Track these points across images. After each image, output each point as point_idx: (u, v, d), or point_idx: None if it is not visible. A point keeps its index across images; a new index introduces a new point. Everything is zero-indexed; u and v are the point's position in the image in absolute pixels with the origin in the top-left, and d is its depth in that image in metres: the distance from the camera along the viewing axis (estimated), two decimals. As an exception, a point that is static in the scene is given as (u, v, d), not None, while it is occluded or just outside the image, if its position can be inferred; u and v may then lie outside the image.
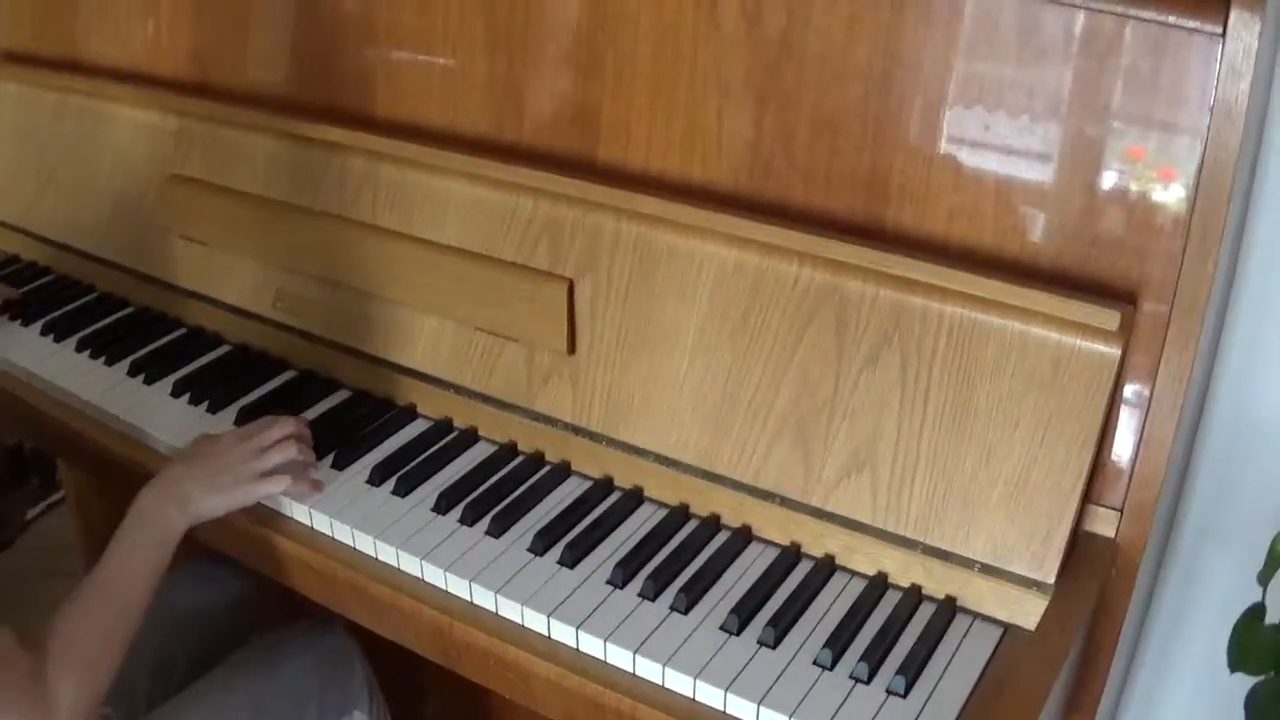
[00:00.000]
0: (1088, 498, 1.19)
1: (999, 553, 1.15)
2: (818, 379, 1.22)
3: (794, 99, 1.25)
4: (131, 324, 1.61)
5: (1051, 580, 1.13)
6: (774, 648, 1.14)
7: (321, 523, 1.29)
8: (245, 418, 1.43)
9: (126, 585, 1.19)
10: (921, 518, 1.18)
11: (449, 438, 1.41)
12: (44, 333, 1.59)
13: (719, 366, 1.26)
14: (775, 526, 1.26)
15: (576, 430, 1.34)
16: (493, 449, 1.39)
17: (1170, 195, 1.11)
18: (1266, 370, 1.41)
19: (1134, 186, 1.13)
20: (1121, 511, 1.18)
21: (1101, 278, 1.16)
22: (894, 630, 1.16)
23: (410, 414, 1.44)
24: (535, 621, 1.18)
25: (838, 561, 1.24)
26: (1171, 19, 1.07)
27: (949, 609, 1.18)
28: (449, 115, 1.47)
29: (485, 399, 1.39)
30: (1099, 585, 1.16)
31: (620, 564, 1.22)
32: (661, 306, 1.28)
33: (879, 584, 1.21)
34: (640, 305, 1.30)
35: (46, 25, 1.82)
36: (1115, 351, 1.12)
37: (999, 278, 1.15)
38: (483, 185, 1.37)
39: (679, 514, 1.30)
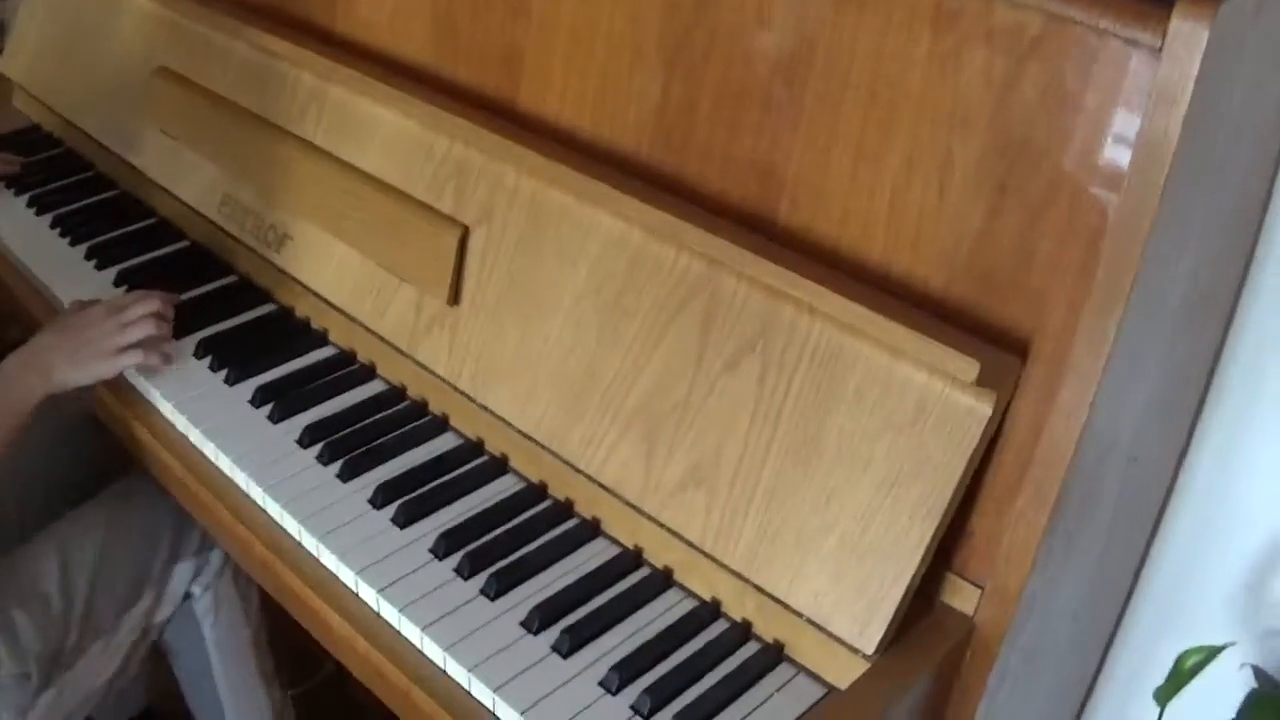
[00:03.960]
0: (950, 566, 1.04)
1: (822, 608, 1.02)
2: (676, 376, 1.10)
3: (700, 70, 1.12)
4: (108, 208, 1.62)
5: (871, 650, 0.99)
6: (565, 657, 1.05)
7: (183, 425, 1.27)
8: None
9: None
10: (750, 551, 1.05)
11: (345, 370, 1.36)
12: (29, 205, 1.63)
13: (585, 345, 1.16)
14: (623, 526, 1.16)
15: (453, 387, 1.26)
16: (381, 389, 1.33)
17: (1079, 236, 0.94)
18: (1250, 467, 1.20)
19: (1040, 219, 0.96)
20: (983, 589, 1.03)
21: (994, 318, 1.00)
22: (701, 666, 1.05)
23: (321, 340, 1.40)
24: (346, 576, 1.12)
25: (675, 577, 1.13)
26: (1102, 24, 0.90)
27: (774, 655, 1.06)
28: (397, 41, 1.40)
29: (380, 338, 1.33)
30: (934, 665, 1.02)
31: (445, 534, 1.15)
32: (545, 269, 1.19)
33: (710, 611, 1.10)
34: (526, 264, 1.20)
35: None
36: (984, 408, 0.96)
37: (875, 299, 1.00)
38: (412, 118, 1.30)
39: (535, 492, 1.21)
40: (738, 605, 1.08)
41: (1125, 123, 0.90)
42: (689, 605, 1.10)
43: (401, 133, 1.31)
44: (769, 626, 1.06)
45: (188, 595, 1.42)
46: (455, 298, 1.25)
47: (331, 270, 1.37)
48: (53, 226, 1.58)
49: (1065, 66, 0.92)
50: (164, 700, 1.62)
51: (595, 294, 1.15)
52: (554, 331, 1.18)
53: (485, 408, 1.22)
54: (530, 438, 1.19)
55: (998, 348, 0.98)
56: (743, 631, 1.08)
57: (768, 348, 1.06)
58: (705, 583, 1.10)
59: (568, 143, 1.22)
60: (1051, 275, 0.96)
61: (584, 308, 1.16)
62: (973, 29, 0.96)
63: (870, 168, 1.04)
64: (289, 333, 1.41)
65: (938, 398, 0.97)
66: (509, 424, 1.21)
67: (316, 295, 1.39)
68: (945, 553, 1.03)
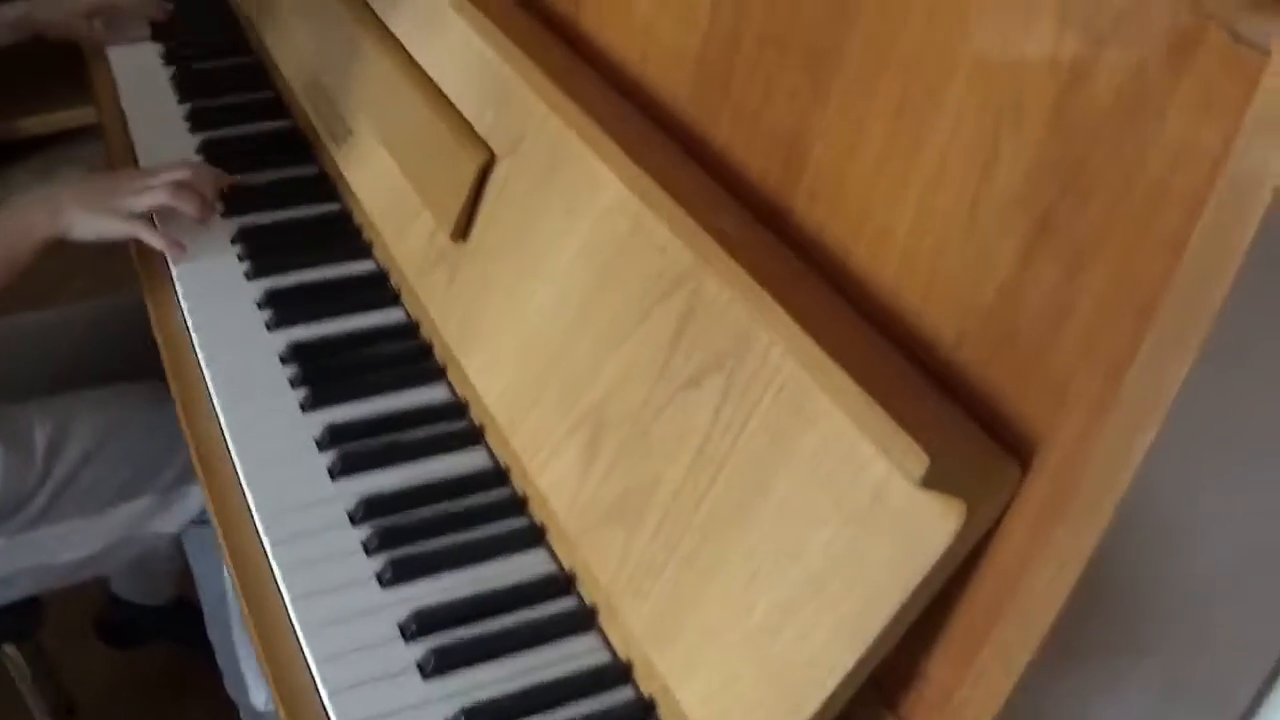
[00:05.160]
0: (892, 708, 0.79)
1: (708, 711, 0.79)
2: (638, 378, 0.89)
3: None
4: (232, 73, 1.54)
5: (751, 785, 0.76)
6: (425, 678, 0.88)
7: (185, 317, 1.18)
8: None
9: None
10: (656, 617, 0.84)
11: (371, 291, 1.22)
12: (161, 54, 1.57)
13: (562, 318, 0.96)
14: (565, 543, 0.96)
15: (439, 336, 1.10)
16: (397, 320, 1.19)
17: (1123, 311, 0.65)
18: None
19: (1079, 277, 0.67)
20: (927, 749, 0.77)
21: (1001, 401, 0.73)
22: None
23: (365, 252, 1.26)
24: (261, 521, 1.00)
25: (599, 620, 0.93)
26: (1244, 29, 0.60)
27: (668, 757, 0.85)
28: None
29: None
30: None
31: (370, 500, 1.00)
32: (551, 219, 0.99)
33: (619, 673, 0.89)
34: (535, 209, 1.01)
35: None
36: (950, 522, 0.70)
37: (857, 343, 0.76)
38: (478, 33, 1.11)
39: (495, 477, 1.04)
40: (647, 678, 0.88)
41: (1218, 154, 0.61)
42: (599, 659, 0.91)
43: (469, 45, 1.12)
44: (671, 713, 0.85)
45: (206, 521, 1.34)
46: (464, 233, 1.07)
47: (372, 176, 1.23)
48: (171, 80, 1.52)
49: (1152, 62, 0.63)
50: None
51: (589, 257, 0.94)
52: (538, 294, 0.98)
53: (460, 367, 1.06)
54: (490, 414, 1.01)
55: (997, 442, 0.72)
56: (644, 712, 0.87)
57: (736, 370, 0.82)
58: (621, 638, 0.90)
59: (614, 77, 1.01)
60: (1080, 361, 0.68)
61: (575, 270, 0.95)
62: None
63: (900, 160, 0.77)
64: (336, 237, 1.28)
65: (900, 494, 0.72)
66: (477, 392, 1.03)
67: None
68: (889, 690, 0.78)
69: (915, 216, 0.77)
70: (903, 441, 0.68)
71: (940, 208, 0.75)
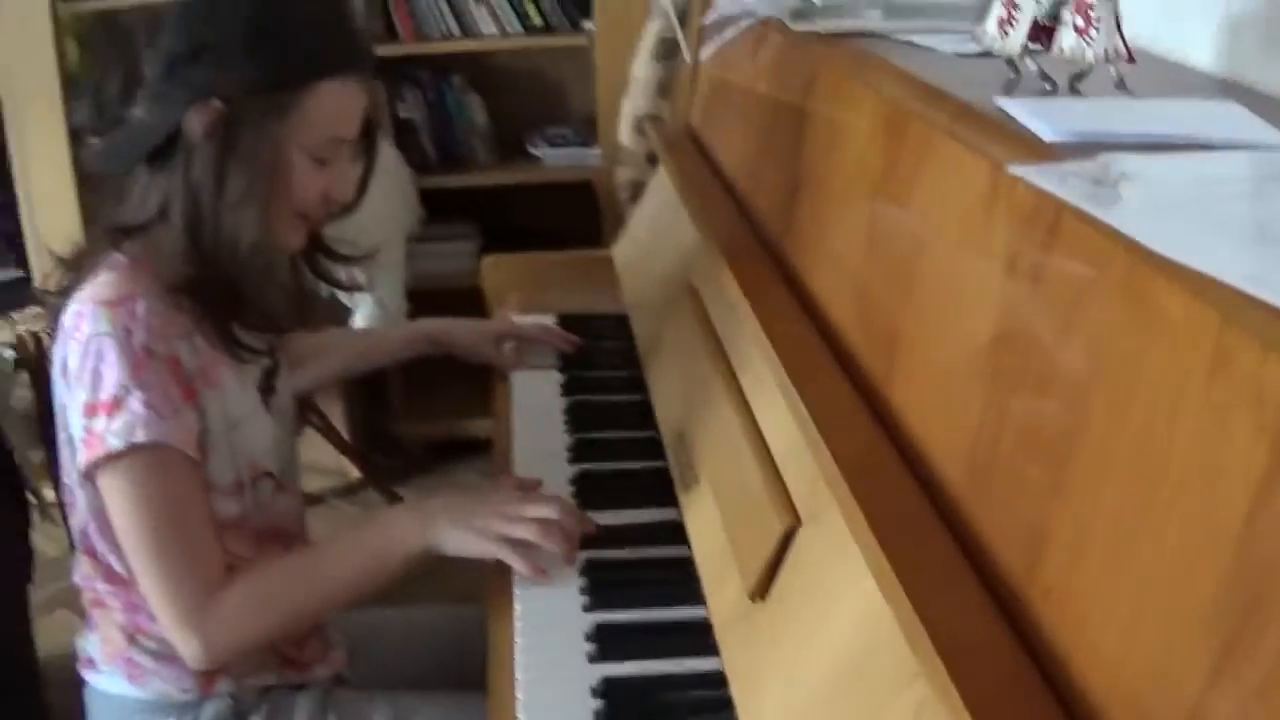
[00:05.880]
0: None
1: None
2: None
3: (1013, 391, 0.85)
4: (622, 411, 1.67)
5: None
6: None
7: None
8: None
9: (334, 570, 1.32)
10: None
11: (695, 638, 1.22)
12: (561, 383, 1.75)
13: (817, 700, 0.93)
14: None
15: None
16: (709, 668, 1.19)
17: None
18: None
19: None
20: None
21: None
22: None
23: (699, 599, 1.27)
24: None
25: None
26: None
27: None
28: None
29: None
30: None
31: None
32: (822, 598, 0.99)
33: None
34: (814, 584, 1.01)
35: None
36: None
37: None
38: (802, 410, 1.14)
39: None
40: None
41: None
42: None
43: (788, 421, 1.17)
44: None
45: None
46: (763, 593, 1.09)
47: (705, 525, 1.29)
48: (565, 410, 1.68)
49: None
50: None
51: (843, 645, 0.93)
52: (802, 668, 0.97)
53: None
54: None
55: None
56: None
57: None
58: None
59: (905, 450, 1.01)
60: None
61: (829, 656, 0.94)
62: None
63: (1114, 569, 0.72)
64: (677, 582, 1.32)
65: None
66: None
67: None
68: None
69: (1127, 624, 0.71)
70: None
71: (1142, 640, 0.69)
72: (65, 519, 1.41)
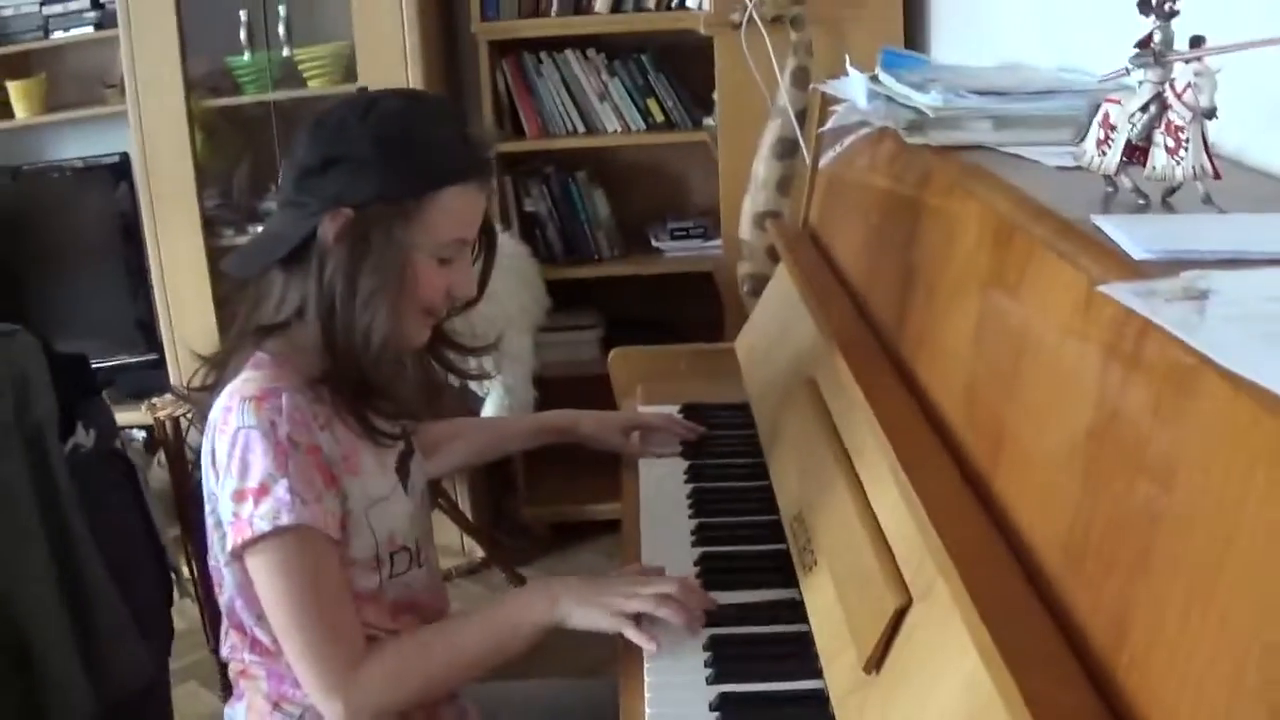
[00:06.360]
0: None
1: None
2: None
3: (1106, 484, 0.94)
4: (741, 496, 1.78)
5: None
6: None
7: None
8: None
9: (468, 641, 1.44)
10: None
11: (815, 711, 1.31)
12: (685, 470, 1.86)
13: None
14: None
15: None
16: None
17: None
18: None
19: None
20: None
21: None
22: None
23: (819, 674, 1.36)
24: None
25: None
26: None
27: None
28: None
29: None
30: None
31: None
32: (940, 679, 1.07)
33: None
34: (923, 662, 1.10)
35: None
36: None
37: None
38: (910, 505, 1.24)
39: None
40: None
41: None
42: None
43: (900, 507, 1.26)
44: None
45: None
46: (876, 667, 1.18)
47: (823, 604, 1.38)
48: (688, 496, 1.79)
49: None
50: None
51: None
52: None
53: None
54: None
55: None
56: None
57: None
58: None
59: (1007, 533, 1.10)
60: None
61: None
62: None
63: (1187, 645, 0.80)
64: (798, 657, 1.42)
65: None
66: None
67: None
68: None
69: (1199, 699, 0.78)
70: None
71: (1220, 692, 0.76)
72: (198, 596, 1.54)
